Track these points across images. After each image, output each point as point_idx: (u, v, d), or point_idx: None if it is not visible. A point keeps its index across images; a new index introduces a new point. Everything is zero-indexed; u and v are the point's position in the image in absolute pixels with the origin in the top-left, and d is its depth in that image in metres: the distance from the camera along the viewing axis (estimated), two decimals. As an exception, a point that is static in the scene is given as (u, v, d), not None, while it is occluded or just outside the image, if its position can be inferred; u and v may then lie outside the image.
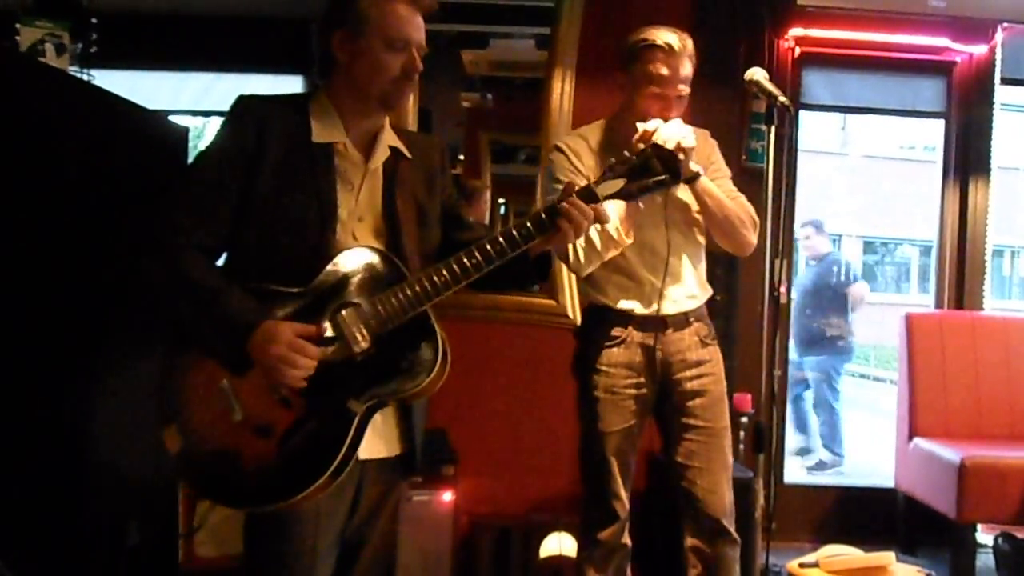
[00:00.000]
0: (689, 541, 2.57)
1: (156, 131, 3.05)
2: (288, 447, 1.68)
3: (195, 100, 4.55)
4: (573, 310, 3.75)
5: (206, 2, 4.22)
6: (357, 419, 1.70)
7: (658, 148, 1.81)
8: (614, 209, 2.23)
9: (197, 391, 1.72)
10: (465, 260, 1.73)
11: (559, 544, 3.44)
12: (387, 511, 1.93)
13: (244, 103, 1.83)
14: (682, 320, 2.56)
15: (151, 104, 3.06)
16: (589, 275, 2.54)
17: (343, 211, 1.80)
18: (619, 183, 1.79)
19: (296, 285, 1.73)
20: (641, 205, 2.36)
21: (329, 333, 1.71)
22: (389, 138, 1.89)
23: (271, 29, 4.23)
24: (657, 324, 2.54)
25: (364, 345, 1.70)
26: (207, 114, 4.96)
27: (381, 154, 1.87)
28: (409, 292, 1.71)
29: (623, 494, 2.57)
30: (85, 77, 2.81)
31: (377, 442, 1.82)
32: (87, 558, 2.58)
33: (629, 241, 2.42)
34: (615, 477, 2.55)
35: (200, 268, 1.72)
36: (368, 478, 1.86)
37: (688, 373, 2.55)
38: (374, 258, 1.76)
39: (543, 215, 1.77)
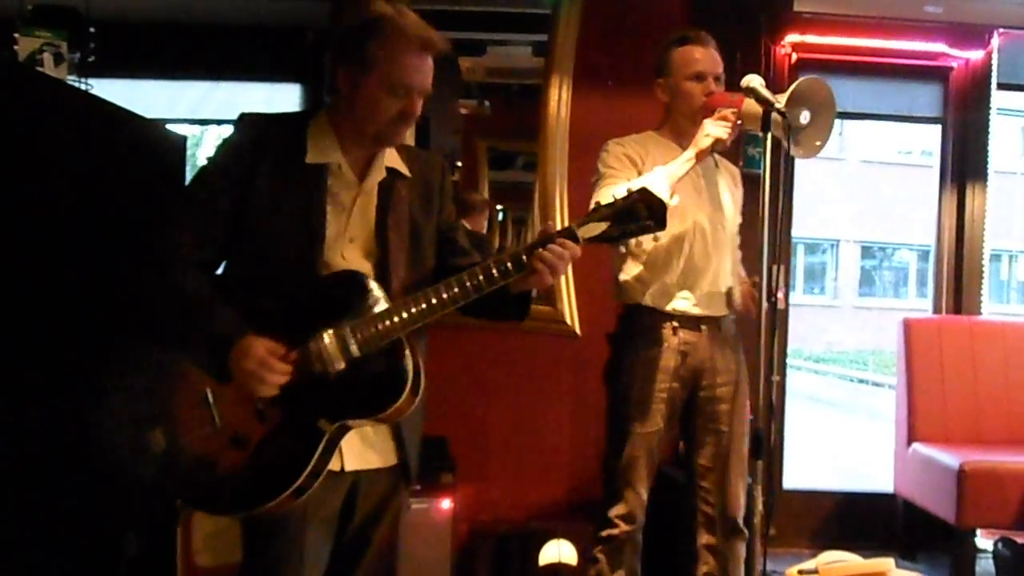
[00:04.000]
0: (704, 539, 2.63)
1: (154, 139, 3.06)
2: (260, 458, 1.74)
3: (193, 108, 4.56)
4: (571, 317, 3.76)
5: (204, 11, 4.23)
6: (326, 437, 1.74)
7: (646, 192, 1.79)
8: (666, 185, 2.26)
9: (183, 398, 1.78)
10: (443, 293, 1.75)
11: (558, 551, 3.43)
12: (387, 519, 1.96)
13: (244, 121, 1.86)
14: (715, 324, 2.60)
15: (149, 113, 3.07)
16: (628, 277, 2.60)
17: (331, 231, 1.82)
18: (602, 226, 1.78)
19: (283, 301, 1.77)
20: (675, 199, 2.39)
21: (308, 349, 1.74)
22: (388, 159, 1.90)
23: (269, 38, 4.24)
24: (693, 326, 2.58)
25: (340, 367, 1.73)
26: (205, 122, 4.98)
27: (376, 175, 1.88)
28: (387, 321, 1.73)
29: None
30: (83, 86, 2.81)
31: (369, 453, 1.87)
32: (86, 568, 2.57)
33: (674, 201, 2.40)
34: (642, 479, 2.61)
35: (193, 283, 1.77)
36: (362, 488, 1.90)
37: (718, 379, 2.59)
38: (359, 281, 1.78)
39: (522, 256, 1.77)
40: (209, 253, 1.81)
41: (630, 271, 2.62)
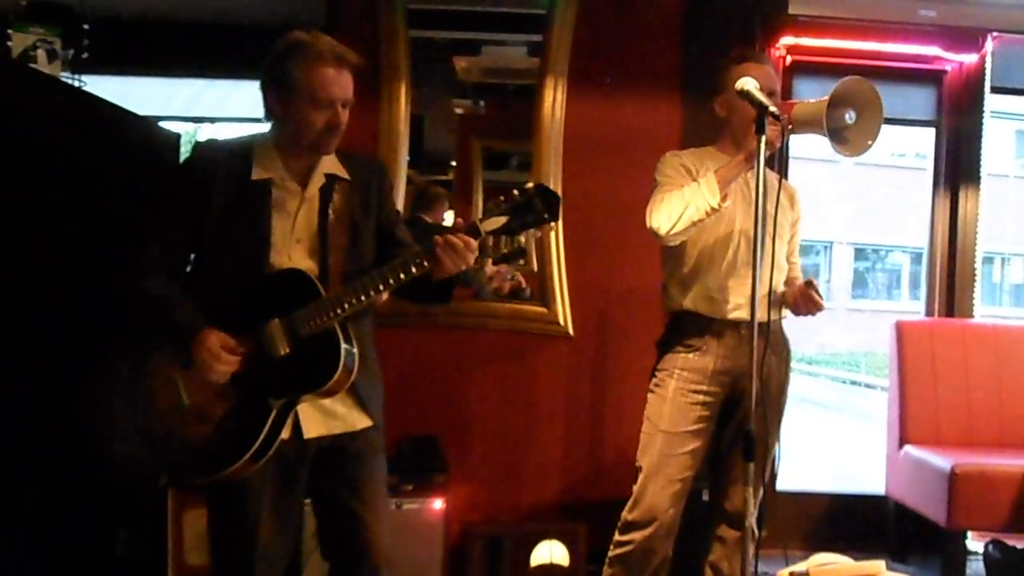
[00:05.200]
0: (720, 531, 2.80)
1: (147, 137, 3.05)
2: (220, 431, 2.05)
3: (186, 106, 4.55)
4: (565, 318, 3.76)
5: (197, 9, 4.21)
6: (274, 412, 2.03)
7: (542, 188, 1.98)
8: (712, 184, 2.44)
9: (158, 382, 2.09)
10: (367, 283, 2.02)
11: (550, 552, 3.44)
12: (366, 477, 2.23)
13: (196, 152, 2.19)
14: (760, 330, 2.61)
15: (142, 110, 3.06)
16: (674, 282, 2.71)
17: (277, 236, 2.10)
18: (503, 219, 1.99)
19: (238, 298, 2.06)
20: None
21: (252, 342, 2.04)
22: (326, 166, 2.16)
23: (262, 36, 4.22)
24: (734, 332, 2.66)
25: (284, 351, 2.04)
26: (198, 120, 4.96)
27: (316, 183, 2.15)
28: (322, 308, 2.02)
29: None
30: (76, 83, 2.81)
31: (331, 421, 2.16)
32: (78, 567, 2.57)
33: (727, 204, 2.50)
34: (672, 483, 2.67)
35: (159, 287, 2.08)
36: (333, 455, 2.17)
37: (755, 383, 2.60)
38: (299, 277, 2.06)
39: (432, 249, 2.01)
40: (174, 261, 2.12)
41: (677, 273, 2.72)
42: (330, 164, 2.16)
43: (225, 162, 2.11)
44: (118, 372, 2.70)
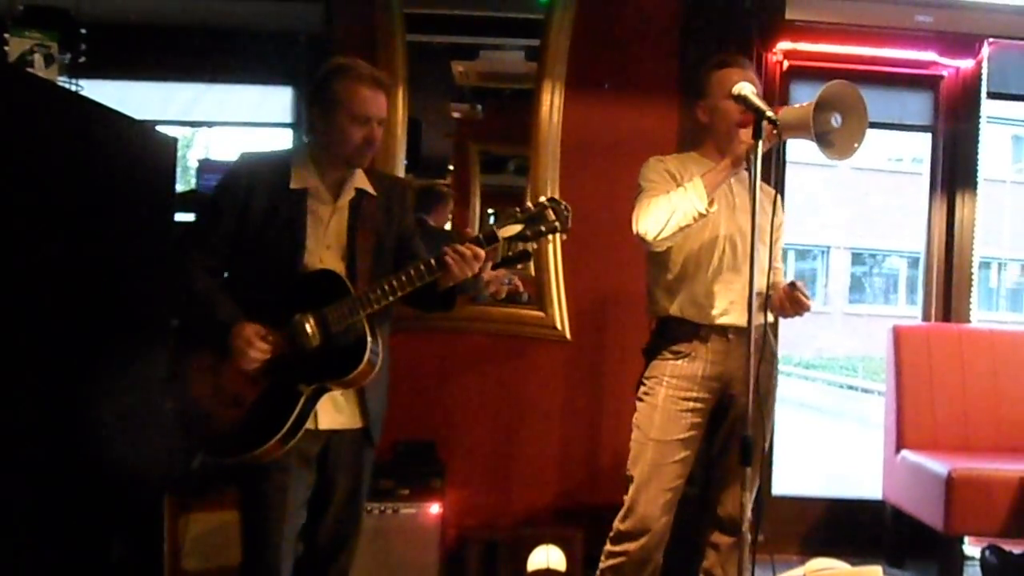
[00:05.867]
0: (713, 537, 2.78)
1: (145, 141, 3.05)
2: (252, 415, 2.24)
3: (184, 110, 4.55)
4: (561, 321, 3.76)
5: (195, 13, 4.22)
6: (304, 398, 2.24)
7: (554, 201, 2.22)
8: (699, 189, 2.47)
9: (196, 368, 2.29)
10: (385, 285, 2.23)
11: (547, 557, 3.43)
12: (353, 469, 2.43)
13: (239, 163, 2.38)
14: (745, 335, 2.60)
15: (140, 114, 3.05)
16: (659, 288, 2.71)
17: (311, 241, 2.31)
18: (518, 227, 2.22)
19: (273, 294, 2.26)
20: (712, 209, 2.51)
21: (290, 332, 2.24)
22: (358, 181, 2.39)
23: (260, 41, 4.24)
24: (722, 335, 2.66)
25: (316, 342, 2.23)
26: (196, 124, 4.96)
27: (347, 195, 2.38)
28: (351, 305, 2.23)
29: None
30: (74, 87, 2.81)
31: (338, 416, 2.36)
32: (72, 573, 2.56)
33: (714, 208, 2.51)
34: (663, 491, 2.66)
35: (203, 283, 2.29)
36: (334, 444, 2.39)
37: (745, 388, 2.59)
38: (330, 278, 2.27)
39: (441, 256, 2.22)
40: (216, 262, 2.32)
41: (661, 279, 2.71)
42: (360, 179, 2.39)
43: (265, 172, 2.34)
44: (114, 375, 2.70)
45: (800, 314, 2.63)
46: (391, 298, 2.23)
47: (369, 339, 2.25)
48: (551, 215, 2.21)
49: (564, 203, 2.23)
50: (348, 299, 2.23)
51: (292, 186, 2.32)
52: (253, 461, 2.25)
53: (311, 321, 2.23)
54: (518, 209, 2.24)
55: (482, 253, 2.23)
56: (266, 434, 2.22)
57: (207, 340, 2.26)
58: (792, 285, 2.58)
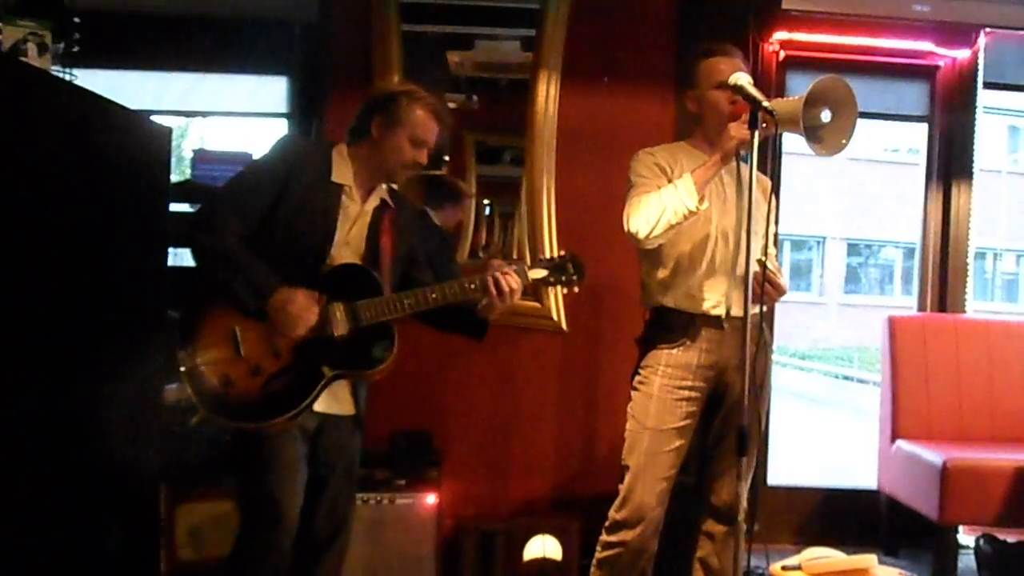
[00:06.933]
0: (708, 526, 2.79)
1: (139, 131, 3.04)
2: (269, 386, 2.30)
3: (178, 100, 4.52)
4: (558, 312, 3.76)
5: (189, 3, 4.20)
6: (324, 380, 2.33)
7: (575, 256, 2.49)
8: (688, 186, 2.48)
9: (212, 330, 2.31)
10: (427, 293, 2.37)
11: (543, 547, 3.44)
12: (347, 454, 2.52)
13: (288, 138, 2.61)
14: (739, 324, 2.60)
15: (134, 104, 3.04)
16: (653, 280, 2.71)
17: (339, 235, 2.40)
18: (544, 272, 2.48)
19: (295, 280, 2.30)
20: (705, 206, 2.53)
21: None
22: (382, 192, 2.52)
23: (255, 30, 4.21)
24: (716, 325, 2.65)
25: (343, 331, 2.33)
26: (190, 114, 4.95)
27: (373, 202, 2.49)
28: (384, 305, 2.35)
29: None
30: (67, 77, 2.79)
31: (333, 403, 2.43)
32: (68, 562, 2.56)
33: (704, 206, 2.51)
34: (658, 480, 2.66)
35: (237, 243, 2.30)
36: (327, 428, 2.46)
37: (739, 376, 2.59)
38: (361, 273, 2.38)
39: (487, 279, 2.37)
40: (244, 229, 2.33)
41: (655, 274, 2.70)
42: (385, 192, 2.52)
43: (311, 157, 2.45)
44: (110, 365, 2.70)
45: (775, 299, 2.63)
46: (425, 304, 2.37)
47: (396, 340, 2.38)
48: (571, 267, 2.48)
49: (581, 260, 2.50)
50: (382, 299, 2.35)
51: (334, 179, 2.42)
52: (259, 430, 2.31)
53: (341, 310, 2.32)
54: (548, 257, 2.56)
55: (520, 290, 2.41)
56: (282, 408, 2.28)
57: (232, 301, 2.28)
58: (760, 263, 2.52)
